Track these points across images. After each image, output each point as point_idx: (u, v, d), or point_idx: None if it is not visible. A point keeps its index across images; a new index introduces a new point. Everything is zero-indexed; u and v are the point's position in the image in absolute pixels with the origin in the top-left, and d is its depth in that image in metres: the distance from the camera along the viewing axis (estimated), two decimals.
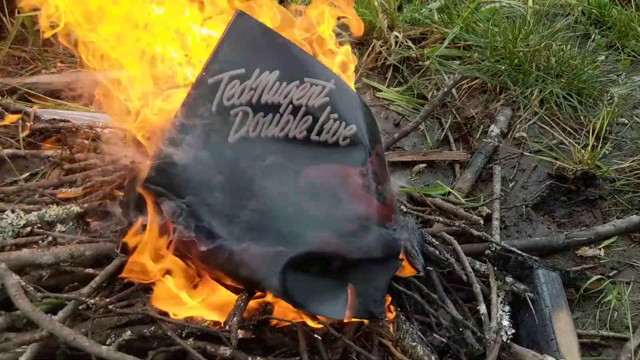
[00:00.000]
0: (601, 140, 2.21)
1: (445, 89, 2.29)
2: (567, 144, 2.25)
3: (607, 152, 2.18)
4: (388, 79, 2.70)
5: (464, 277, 1.71)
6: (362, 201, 1.51)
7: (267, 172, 1.50)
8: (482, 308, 1.64)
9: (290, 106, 1.49)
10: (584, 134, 2.29)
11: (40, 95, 2.46)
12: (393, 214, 1.58)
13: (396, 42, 2.76)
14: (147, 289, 1.63)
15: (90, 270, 1.66)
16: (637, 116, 2.40)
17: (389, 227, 1.54)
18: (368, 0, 2.78)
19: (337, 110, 1.51)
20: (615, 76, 2.52)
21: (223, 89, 1.46)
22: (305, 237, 1.47)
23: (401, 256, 1.58)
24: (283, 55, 1.51)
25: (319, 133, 1.52)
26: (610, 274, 1.83)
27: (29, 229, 1.75)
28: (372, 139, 1.56)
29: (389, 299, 1.61)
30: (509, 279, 1.68)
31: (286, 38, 1.55)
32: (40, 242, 1.74)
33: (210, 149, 1.48)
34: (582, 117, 2.36)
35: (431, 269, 1.72)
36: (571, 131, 2.32)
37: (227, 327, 1.42)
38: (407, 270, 1.65)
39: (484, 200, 2.11)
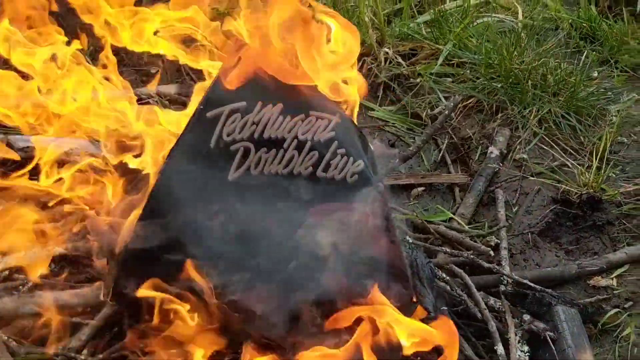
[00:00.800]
0: (604, 161, 2.16)
1: (446, 112, 2.22)
2: (570, 165, 2.19)
3: (613, 174, 2.13)
4: (380, 97, 2.61)
5: (478, 315, 1.63)
6: (372, 242, 1.45)
7: (271, 212, 1.41)
8: (500, 348, 1.55)
9: (295, 141, 1.41)
10: (586, 155, 2.24)
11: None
12: (401, 252, 1.50)
13: (386, 59, 2.67)
14: (141, 338, 1.51)
15: (77, 319, 1.53)
16: (636, 135, 2.36)
17: (399, 267, 1.46)
18: (357, 15, 2.68)
19: (343, 145, 1.44)
20: (611, 94, 2.47)
21: (223, 124, 1.37)
22: (313, 281, 1.38)
23: (414, 299, 1.51)
24: (286, 87, 1.42)
25: (325, 169, 1.44)
26: (626, 306, 1.77)
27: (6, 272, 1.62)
28: (376, 173, 1.50)
29: None
30: (526, 317, 1.61)
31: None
32: (21, 287, 1.61)
33: (209, 188, 1.38)
34: (582, 137, 2.31)
35: (445, 308, 1.63)
36: (572, 152, 2.27)
37: None
38: (417, 312, 1.57)
39: (488, 227, 2.04)
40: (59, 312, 1.52)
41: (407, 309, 1.47)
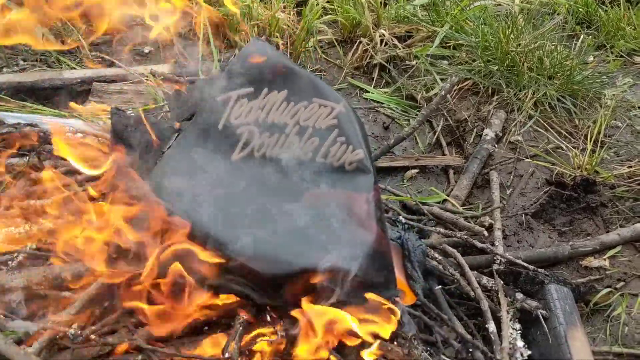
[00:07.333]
0: (599, 144, 2.15)
1: (442, 92, 2.19)
2: (564, 148, 2.19)
3: (607, 157, 2.12)
4: (375, 79, 2.59)
5: (471, 293, 1.63)
6: (365, 228, 1.45)
7: (269, 192, 1.44)
8: (492, 326, 1.54)
9: (297, 127, 1.47)
10: (580, 138, 2.23)
11: (2, 96, 2.28)
12: (388, 242, 1.51)
13: (382, 41, 2.65)
14: (132, 313, 1.50)
15: (66, 294, 1.51)
16: (630, 119, 2.35)
17: (385, 256, 1.46)
18: None
19: (344, 134, 1.48)
20: (606, 78, 2.46)
21: (231, 108, 1.45)
22: (305, 255, 1.38)
23: (400, 282, 1.53)
24: (292, 76, 1.49)
25: (324, 156, 1.48)
26: (617, 286, 1.76)
27: None
28: (373, 164, 1.52)
29: None
30: (519, 296, 1.60)
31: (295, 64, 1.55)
32: (9, 262, 1.59)
33: (213, 166, 1.43)
34: (576, 120, 2.30)
35: (437, 287, 1.62)
36: (567, 135, 2.26)
37: (226, 355, 1.30)
38: (407, 298, 1.57)
39: (482, 208, 2.03)
40: (49, 286, 1.52)
41: (390, 293, 1.48)
